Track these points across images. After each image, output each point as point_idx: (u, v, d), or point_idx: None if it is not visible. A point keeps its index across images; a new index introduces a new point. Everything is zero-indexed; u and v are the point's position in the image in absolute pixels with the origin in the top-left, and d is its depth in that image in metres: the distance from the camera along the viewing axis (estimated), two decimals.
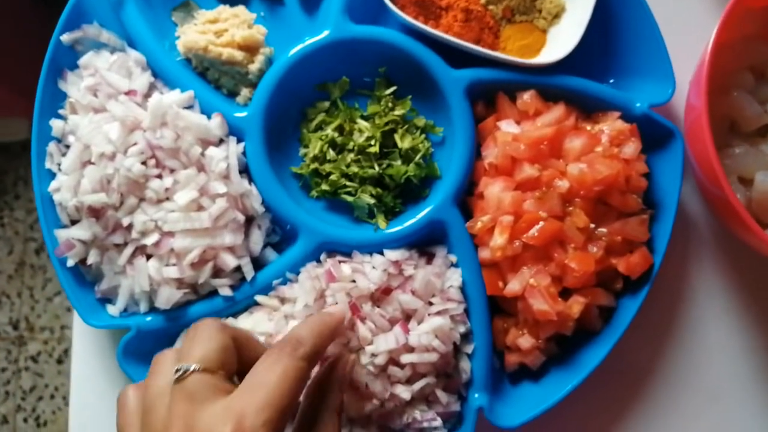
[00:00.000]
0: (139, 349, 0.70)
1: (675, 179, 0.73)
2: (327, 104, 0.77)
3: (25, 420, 1.86)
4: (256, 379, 0.49)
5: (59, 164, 0.71)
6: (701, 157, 0.68)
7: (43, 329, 1.91)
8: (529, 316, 0.70)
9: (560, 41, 0.76)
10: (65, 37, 0.73)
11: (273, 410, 0.47)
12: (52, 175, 0.72)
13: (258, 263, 0.73)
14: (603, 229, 0.70)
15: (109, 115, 0.70)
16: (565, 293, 0.71)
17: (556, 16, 0.77)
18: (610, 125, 0.72)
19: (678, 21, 0.78)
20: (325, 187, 0.74)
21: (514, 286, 0.69)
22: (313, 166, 0.75)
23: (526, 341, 0.71)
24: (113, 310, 0.71)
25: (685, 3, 0.81)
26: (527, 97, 0.73)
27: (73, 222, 0.71)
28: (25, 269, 1.95)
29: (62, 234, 0.70)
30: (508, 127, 0.73)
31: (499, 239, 0.69)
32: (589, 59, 0.76)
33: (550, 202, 0.69)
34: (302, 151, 0.76)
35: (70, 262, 0.70)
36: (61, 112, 0.73)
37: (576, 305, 0.69)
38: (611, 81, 0.78)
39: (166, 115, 0.69)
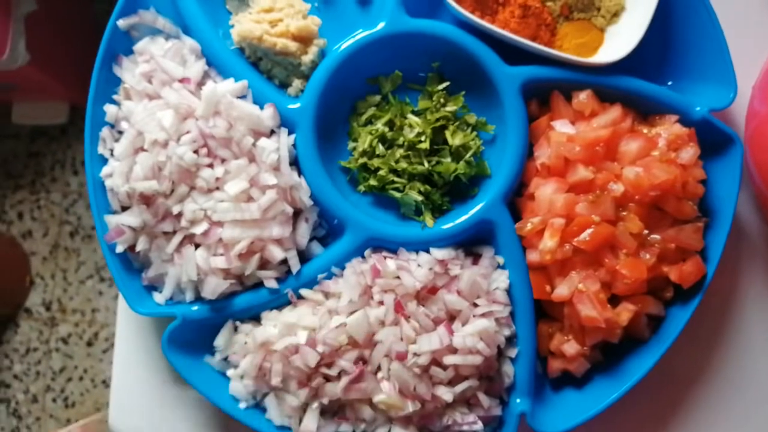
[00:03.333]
0: (182, 337, 0.70)
1: (732, 187, 0.71)
2: (378, 98, 0.76)
3: (54, 400, 1.89)
4: None
5: (111, 150, 0.72)
6: (764, 165, 0.67)
7: (74, 311, 1.93)
8: (575, 322, 0.69)
9: (618, 41, 0.74)
10: (122, 22, 0.73)
11: None
12: (104, 161, 0.72)
13: (303, 256, 0.73)
14: (656, 236, 0.69)
15: (162, 102, 0.70)
16: (614, 300, 0.69)
17: (615, 15, 0.76)
18: (668, 129, 0.71)
19: (741, 23, 0.76)
20: (372, 182, 0.74)
21: (562, 291, 0.68)
22: (361, 161, 0.74)
23: (571, 347, 0.69)
24: (159, 297, 0.71)
25: (750, 5, 0.79)
26: (583, 97, 0.72)
27: (124, 208, 0.71)
28: (60, 252, 1.98)
29: (112, 220, 0.70)
30: (562, 127, 0.71)
31: (549, 242, 0.68)
32: (648, 59, 0.74)
33: (604, 205, 0.68)
34: (351, 144, 0.76)
35: (119, 249, 0.70)
36: (115, 97, 0.74)
37: (625, 313, 0.68)
38: (669, 83, 0.76)
39: (220, 104, 0.69)
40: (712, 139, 0.72)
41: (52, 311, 1.94)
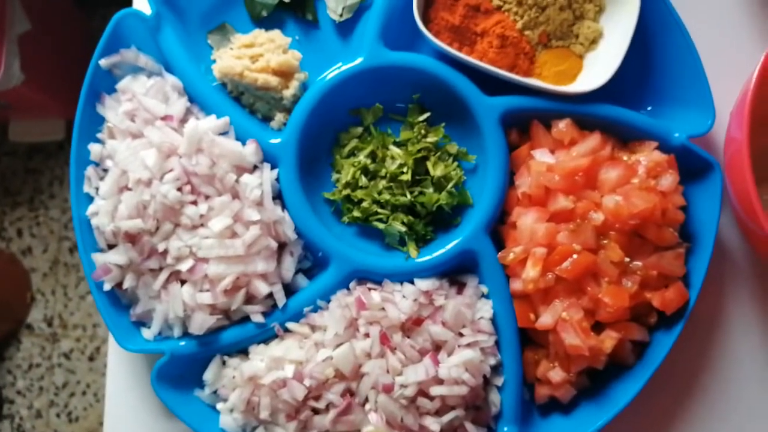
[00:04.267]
0: (171, 372, 0.71)
1: (713, 212, 0.71)
2: (360, 130, 0.77)
3: (58, 415, 1.89)
4: None
5: (97, 188, 0.73)
6: (740, 191, 0.67)
7: (76, 327, 1.94)
8: (560, 349, 0.70)
9: (597, 68, 0.75)
10: (104, 62, 0.74)
11: None
12: (90, 199, 0.73)
13: (289, 289, 0.73)
14: (638, 263, 0.69)
15: (146, 141, 0.71)
16: (598, 326, 0.70)
17: (593, 42, 0.76)
18: (647, 156, 0.71)
19: (719, 49, 0.76)
20: (356, 213, 0.74)
21: (546, 320, 0.69)
22: (345, 192, 0.75)
23: (556, 374, 0.70)
24: (148, 333, 0.72)
25: (727, 32, 0.79)
26: (563, 126, 0.72)
27: (110, 246, 0.72)
28: (59, 267, 1.98)
29: (99, 258, 0.71)
30: (542, 156, 0.72)
31: (531, 271, 0.69)
32: (626, 85, 0.75)
33: (584, 234, 0.68)
34: (335, 176, 0.77)
35: (107, 286, 0.71)
36: (99, 135, 0.74)
37: (609, 340, 0.68)
38: (648, 108, 0.76)
39: (202, 141, 0.70)
40: (692, 165, 0.72)
41: (54, 327, 1.95)
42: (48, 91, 1.67)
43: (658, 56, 0.75)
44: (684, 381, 0.76)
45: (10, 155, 1.95)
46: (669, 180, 0.70)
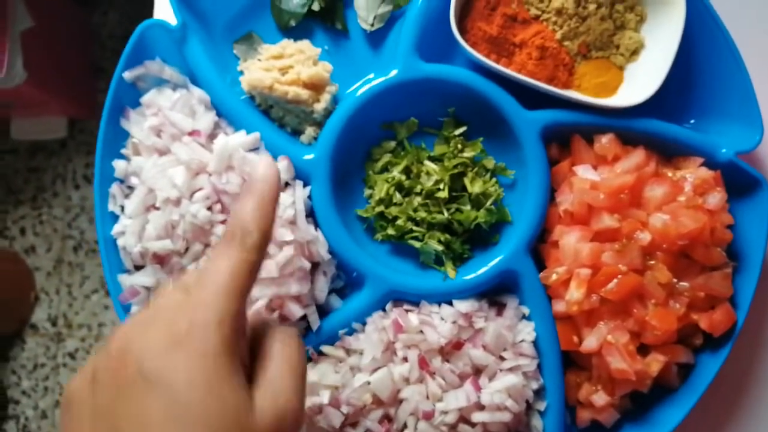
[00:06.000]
0: None
1: (761, 231, 0.69)
2: (393, 144, 0.74)
3: None
4: (206, 278, 0.43)
5: (122, 206, 0.70)
6: None
7: (80, 326, 1.92)
8: (604, 372, 0.67)
9: (639, 79, 0.72)
10: (127, 74, 0.70)
11: (225, 311, 0.42)
12: (115, 217, 0.70)
13: (322, 310, 0.71)
14: (685, 284, 0.67)
15: (173, 158, 0.68)
16: (642, 348, 0.67)
17: (635, 53, 0.73)
18: (694, 172, 0.69)
19: (767, 60, 0.73)
20: (390, 231, 0.72)
21: (590, 343, 0.66)
22: (378, 209, 0.72)
23: (600, 398, 0.68)
24: None
25: None
26: (606, 142, 0.70)
27: (137, 267, 0.69)
28: (63, 266, 1.96)
29: (126, 280, 0.68)
30: (585, 172, 0.69)
31: (575, 293, 0.66)
32: (668, 97, 0.72)
33: (630, 255, 0.66)
34: (367, 192, 0.74)
35: (134, 310, 0.68)
36: (123, 152, 0.71)
37: (655, 364, 0.66)
38: (692, 121, 0.74)
39: (233, 158, 0.67)
40: (738, 181, 0.70)
41: (58, 326, 1.93)
42: (50, 89, 1.64)
43: (701, 67, 0.73)
44: (730, 402, 0.74)
45: (13, 153, 1.92)
46: (717, 198, 0.67)
